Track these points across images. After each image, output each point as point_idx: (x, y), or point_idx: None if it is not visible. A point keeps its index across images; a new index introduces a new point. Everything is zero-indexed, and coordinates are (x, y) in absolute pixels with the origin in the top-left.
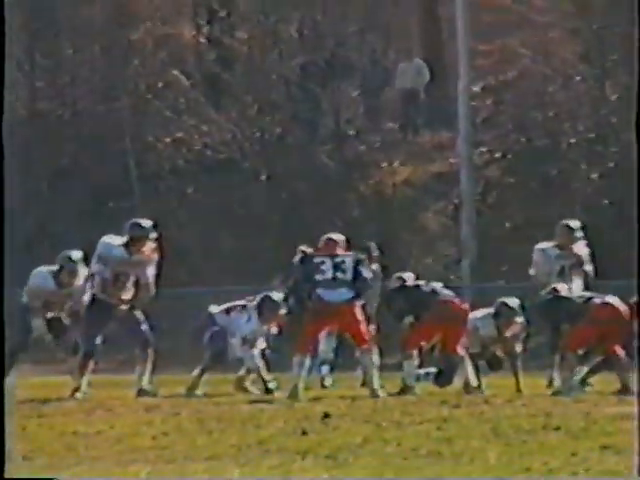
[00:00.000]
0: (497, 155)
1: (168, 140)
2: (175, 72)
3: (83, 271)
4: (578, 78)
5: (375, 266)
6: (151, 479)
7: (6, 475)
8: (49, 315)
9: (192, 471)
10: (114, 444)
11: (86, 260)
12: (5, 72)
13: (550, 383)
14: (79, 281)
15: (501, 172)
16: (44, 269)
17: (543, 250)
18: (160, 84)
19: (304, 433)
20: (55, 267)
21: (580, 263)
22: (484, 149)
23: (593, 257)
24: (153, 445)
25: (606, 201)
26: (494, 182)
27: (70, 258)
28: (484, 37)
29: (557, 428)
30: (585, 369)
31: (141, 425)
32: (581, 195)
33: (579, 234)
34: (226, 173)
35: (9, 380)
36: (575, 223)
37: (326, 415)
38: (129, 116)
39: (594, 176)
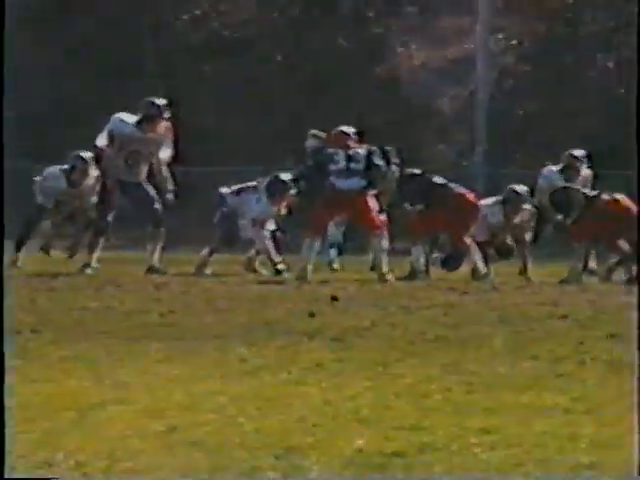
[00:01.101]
0: (514, 42)
1: (185, 17)
2: None
3: (94, 171)
4: None
5: (393, 167)
6: (159, 355)
7: (6, 475)
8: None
9: (200, 349)
10: (123, 320)
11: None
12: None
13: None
14: (90, 181)
15: (517, 59)
16: (56, 168)
17: (547, 177)
18: None
19: (312, 315)
20: (67, 166)
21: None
22: (502, 36)
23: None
24: (161, 322)
25: (622, 90)
26: (510, 69)
27: (82, 157)
28: None
29: (564, 316)
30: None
31: (150, 302)
32: (596, 84)
33: (585, 162)
34: (242, 53)
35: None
36: (580, 152)
37: (334, 298)
38: None
39: (610, 65)
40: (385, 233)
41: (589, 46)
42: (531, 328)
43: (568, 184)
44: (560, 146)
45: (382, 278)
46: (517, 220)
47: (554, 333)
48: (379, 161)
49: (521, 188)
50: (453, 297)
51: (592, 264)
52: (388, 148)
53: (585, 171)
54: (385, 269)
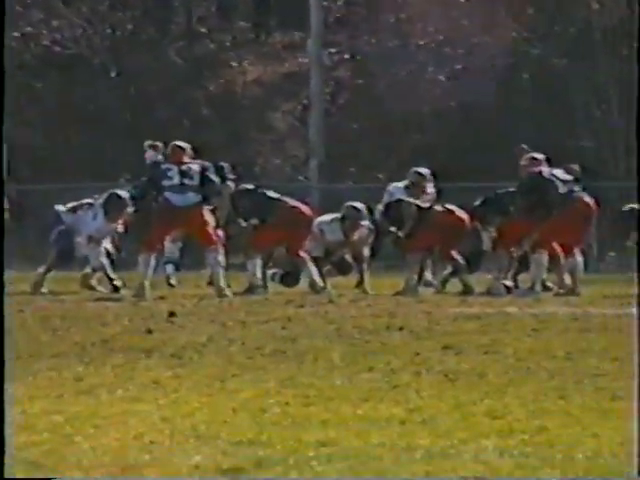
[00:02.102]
0: (347, 56)
1: (16, 35)
2: None
3: None
4: None
5: (228, 182)
6: None
7: (6, 475)
8: None
9: (35, 368)
10: None
11: None
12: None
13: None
14: None
15: (351, 73)
16: None
17: (392, 193)
18: None
19: (149, 332)
20: None
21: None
22: (334, 50)
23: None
24: None
25: (452, 103)
26: (344, 83)
27: None
28: None
29: (400, 328)
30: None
31: None
32: (429, 97)
33: (430, 180)
34: (75, 69)
35: None
36: (426, 170)
37: (172, 314)
38: None
39: (442, 78)
40: (221, 248)
41: (421, 58)
42: (367, 340)
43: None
44: (397, 160)
45: (220, 293)
46: (356, 237)
47: (390, 345)
48: (213, 176)
49: (359, 205)
50: (290, 311)
51: (427, 275)
52: (222, 164)
53: (430, 189)
54: (222, 284)
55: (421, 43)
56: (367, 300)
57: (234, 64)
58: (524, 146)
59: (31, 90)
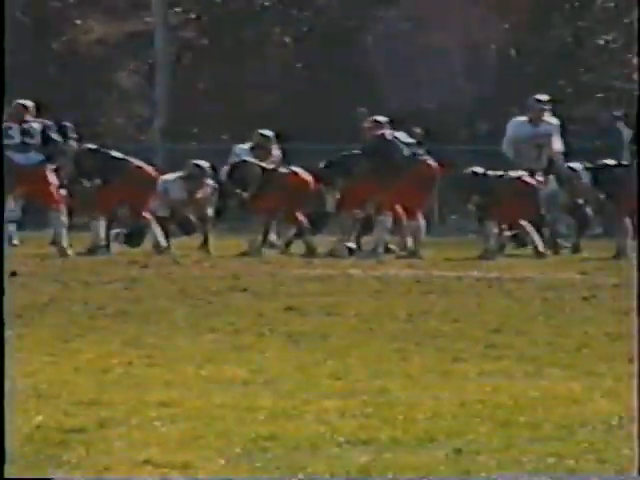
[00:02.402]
0: (193, 15)
1: None
2: None
3: None
4: None
5: (71, 142)
6: None
7: (6, 475)
8: None
9: None
10: None
11: None
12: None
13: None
14: None
15: (197, 33)
16: None
17: (238, 154)
18: None
19: None
20: None
21: None
22: (180, 9)
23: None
24: None
25: (299, 64)
26: (189, 43)
27: None
28: None
29: (244, 289)
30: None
31: None
32: (276, 58)
33: (274, 141)
34: None
35: None
36: (269, 132)
37: (13, 273)
38: None
39: (288, 39)
40: (64, 208)
41: (266, 22)
42: (211, 301)
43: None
44: (241, 122)
45: (62, 253)
46: (200, 195)
47: (234, 306)
48: (55, 136)
49: (203, 163)
50: (134, 271)
51: (272, 236)
52: (66, 123)
53: (276, 151)
54: (65, 244)
55: (267, 4)
56: (211, 261)
57: (78, 22)
58: (363, 109)
59: None
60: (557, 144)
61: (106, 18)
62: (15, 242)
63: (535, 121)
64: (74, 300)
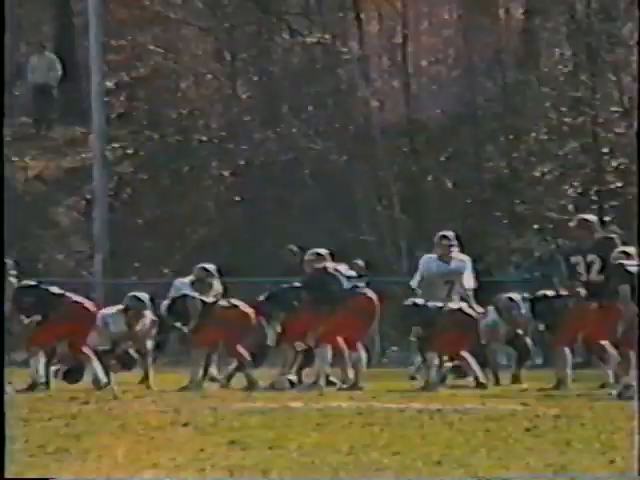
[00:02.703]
0: (130, 151)
1: None
2: None
3: None
4: (210, 76)
5: (11, 278)
6: None
7: (6, 475)
8: None
9: None
10: None
11: None
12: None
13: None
14: None
15: (134, 168)
16: None
17: (178, 288)
18: None
19: None
20: None
21: None
22: (117, 145)
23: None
24: None
25: (237, 198)
26: (127, 178)
27: None
28: (116, 33)
29: (185, 424)
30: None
31: None
32: (213, 192)
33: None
34: None
35: None
36: (211, 266)
37: None
38: None
39: (225, 173)
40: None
41: (203, 156)
42: (152, 437)
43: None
44: (181, 255)
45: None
46: (139, 328)
47: (175, 441)
48: None
49: (142, 295)
50: (74, 407)
51: (213, 370)
52: (6, 260)
53: (217, 285)
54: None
55: (204, 139)
56: (152, 396)
57: (15, 159)
58: (293, 247)
59: None
60: (469, 281)
61: (43, 154)
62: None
63: (444, 257)
64: (14, 438)
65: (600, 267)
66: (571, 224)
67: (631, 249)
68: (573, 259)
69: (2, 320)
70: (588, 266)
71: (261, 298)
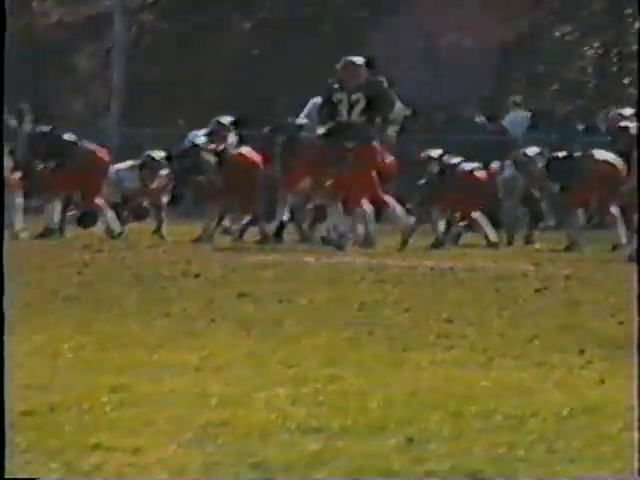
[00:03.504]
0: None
1: None
2: None
3: None
4: None
5: (26, 125)
6: None
7: (6, 475)
8: None
9: None
10: None
11: None
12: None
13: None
14: None
15: (155, 17)
16: None
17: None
18: None
19: None
20: None
21: None
22: None
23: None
24: None
25: (256, 51)
26: (147, 27)
27: None
28: None
29: (197, 275)
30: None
31: None
32: (233, 44)
33: (232, 128)
34: None
35: None
36: (227, 119)
37: None
38: None
39: (247, 25)
40: (19, 190)
41: (225, 8)
42: (164, 287)
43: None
44: (198, 107)
45: (16, 235)
46: (154, 185)
47: (186, 291)
48: (10, 119)
49: (158, 154)
50: (87, 255)
51: (226, 222)
52: (21, 105)
53: (232, 137)
54: (19, 226)
55: None
56: (164, 246)
57: (35, 5)
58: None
59: None
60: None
61: (64, 1)
62: None
63: None
64: (27, 283)
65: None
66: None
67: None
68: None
69: (2, 316)
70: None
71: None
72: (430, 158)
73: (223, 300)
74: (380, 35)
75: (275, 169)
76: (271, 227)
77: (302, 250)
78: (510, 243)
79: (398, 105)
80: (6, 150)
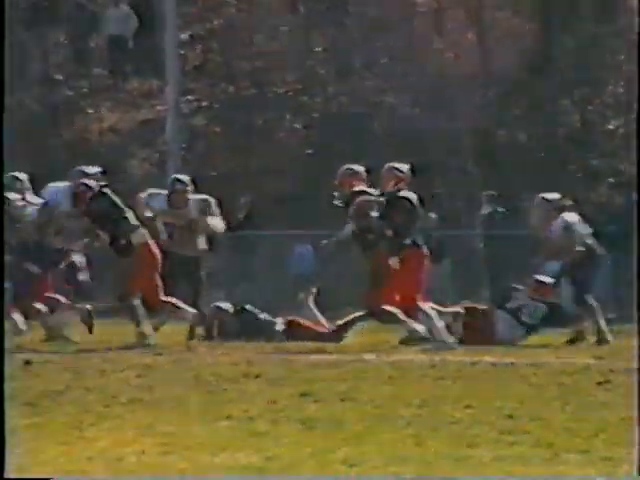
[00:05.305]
0: (204, 103)
1: None
2: None
3: None
4: (284, 28)
5: None
6: None
7: (6, 475)
8: None
9: None
10: None
11: None
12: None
13: None
14: None
15: (208, 121)
16: None
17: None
18: None
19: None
20: None
21: None
22: (191, 97)
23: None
24: None
25: (309, 151)
26: (201, 131)
27: None
28: None
29: (257, 376)
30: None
31: None
32: (285, 145)
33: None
34: None
35: None
36: None
37: (27, 362)
38: None
39: (298, 126)
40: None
41: (276, 109)
42: (225, 388)
43: None
44: (254, 206)
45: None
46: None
47: (248, 393)
48: None
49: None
50: (147, 358)
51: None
52: None
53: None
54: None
55: (278, 92)
56: (223, 348)
57: (90, 111)
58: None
59: None
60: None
61: (118, 106)
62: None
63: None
64: (88, 388)
65: None
66: None
67: None
68: None
69: (2, 320)
70: None
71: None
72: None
73: (285, 400)
74: (435, 135)
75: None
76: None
77: (362, 348)
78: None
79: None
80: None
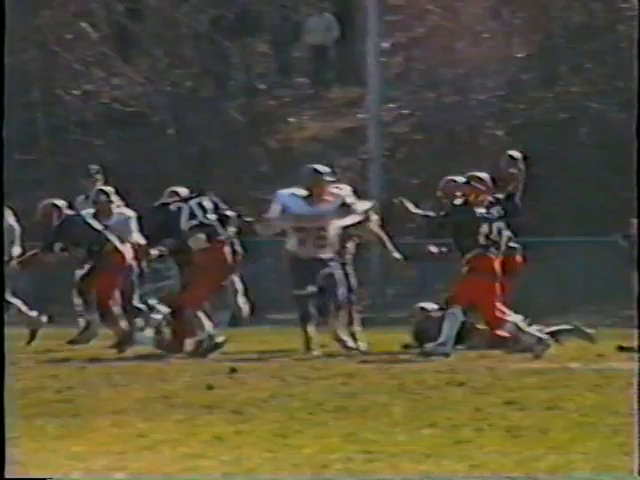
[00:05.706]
0: (406, 111)
1: (77, 92)
2: (84, 24)
3: None
4: (487, 35)
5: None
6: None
7: (6, 475)
8: None
9: (97, 424)
10: (19, 397)
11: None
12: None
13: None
14: None
15: (410, 128)
16: None
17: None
18: (69, 36)
19: (210, 388)
20: None
21: None
22: (393, 105)
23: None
24: (58, 399)
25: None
26: (402, 138)
27: None
28: None
29: (461, 384)
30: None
31: (46, 378)
32: (487, 151)
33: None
34: (135, 127)
35: None
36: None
37: (233, 370)
38: (37, 69)
39: (500, 133)
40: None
41: (479, 116)
42: (429, 396)
43: None
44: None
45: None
46: None
47: (452, 400)
48: None
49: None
50: (351, 366)
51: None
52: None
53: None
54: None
55: (480, 98)
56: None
57: (292, 120)
58: None
59: (90, 147)
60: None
61: (320, 115)
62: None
63: None
64: (293, 396)
65: None
66: None
67: None
68: None
69: (2, 319)
70: None
71: None
72: None
73: (490, 408)
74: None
75: None
76: None
77: (568, 356)
78: None
79: None
80: None
